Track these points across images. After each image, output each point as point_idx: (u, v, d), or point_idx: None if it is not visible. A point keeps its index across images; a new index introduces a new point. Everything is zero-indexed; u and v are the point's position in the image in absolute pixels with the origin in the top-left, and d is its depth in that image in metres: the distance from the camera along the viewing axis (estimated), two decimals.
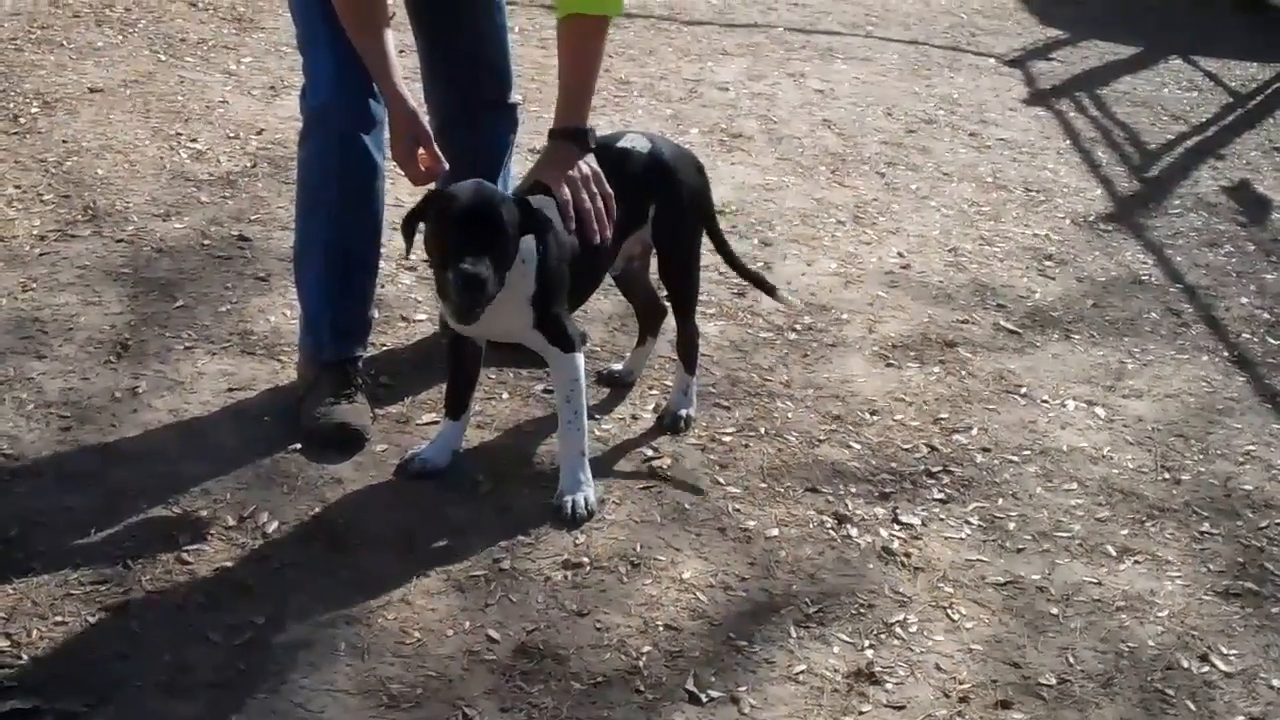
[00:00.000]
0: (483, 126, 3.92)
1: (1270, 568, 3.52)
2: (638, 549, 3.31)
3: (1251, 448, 4.06)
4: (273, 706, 2.75)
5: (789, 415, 3.95)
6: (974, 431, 3.98)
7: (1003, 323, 4.67)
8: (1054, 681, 3.04)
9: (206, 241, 4.54)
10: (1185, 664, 3.15)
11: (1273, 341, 4.76)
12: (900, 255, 5.12)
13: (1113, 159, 6.51)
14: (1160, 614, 3.30)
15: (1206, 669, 3.15)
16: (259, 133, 5.51)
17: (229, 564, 3.12)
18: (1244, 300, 5.08)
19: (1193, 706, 3.04)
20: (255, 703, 2.75)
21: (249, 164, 5.21)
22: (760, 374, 4.16)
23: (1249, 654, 3.21)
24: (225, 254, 4.48)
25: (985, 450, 3.89)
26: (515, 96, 4.00)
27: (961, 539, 3.49)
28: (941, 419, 4.02)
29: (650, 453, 3.69)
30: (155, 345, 3.91)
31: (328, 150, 3.59)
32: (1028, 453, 3.91)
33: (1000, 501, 3.66)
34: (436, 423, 3.68)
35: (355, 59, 3.43)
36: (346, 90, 3.54)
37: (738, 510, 3.50)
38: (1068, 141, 6.70)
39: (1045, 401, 4.19)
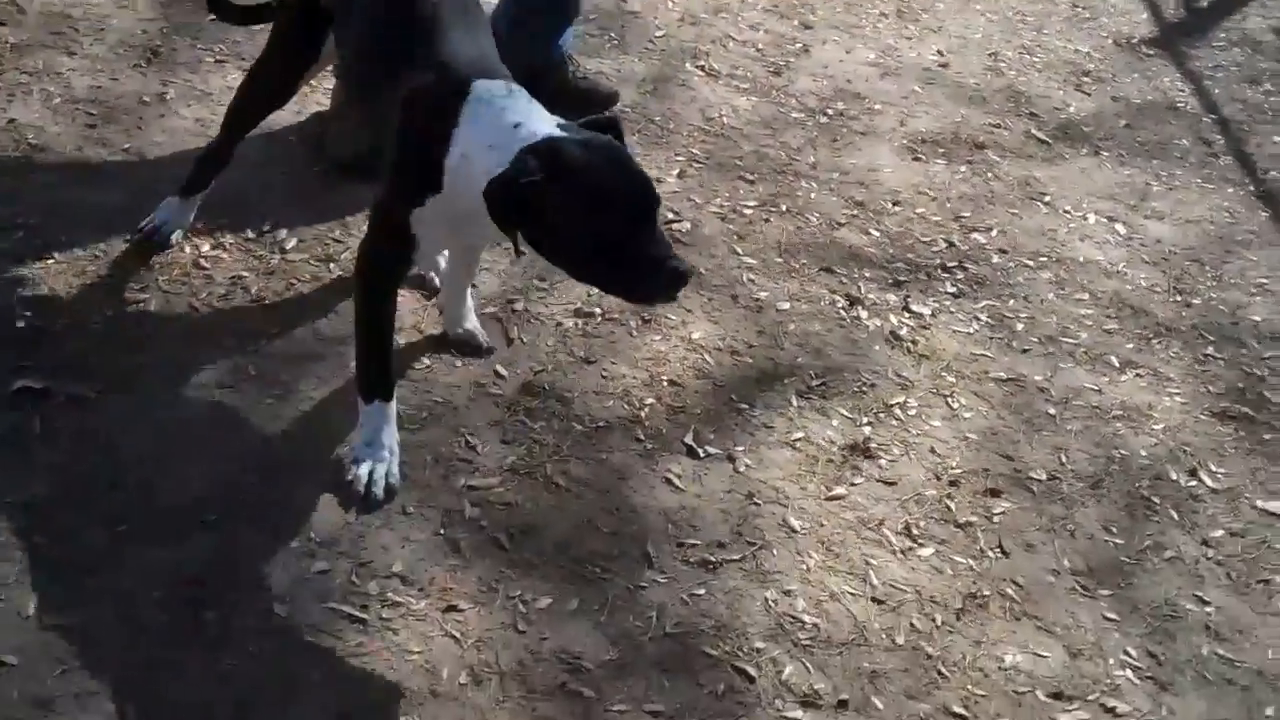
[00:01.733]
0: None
1: (1269, 395, 3.56)
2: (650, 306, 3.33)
3: (1265, 280, 4.07)
4: (278, 411, 2.80)
5: (812, 196, 3.95)
6: (993, 232, 3.98)
7: (1034, 131, 4.64)
8: (1044, 477, 3.09)
9: None
10: (1174, 476, 3.20)
11: None
12: (940, 54, 5.05)
13: None
14: (1155, 427, 3.35)
15: (1194, 483, 3.20)
16: None
17: (245, 274, 3.14)
18: (1276, 139, 5.03)
19: (1175, 516, 3.09)
20: (260, 406, 2.81)
21: None
22: (788, 153, 4.14)
23: (1236, 474, 3.26)
24: None
25: (1002, 251, 3.89)
26: None
27: (969, 333, 3.52)
28: (963, 217, 4.02)
29: (671, 216, 3.69)
30: (186, 55, 3.88)
31: None
32: (1044, 259, 3.91)
33: (1011, 302, 3.68)
34: None
35: None
36: None
37: (752, 280, 3.52)
38: None
39: (1067, 212, 4.19)
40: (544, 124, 2.48)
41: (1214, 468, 3.26)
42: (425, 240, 2.65)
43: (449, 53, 2.63)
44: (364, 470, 2.68)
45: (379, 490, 2.67)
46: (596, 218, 2.36)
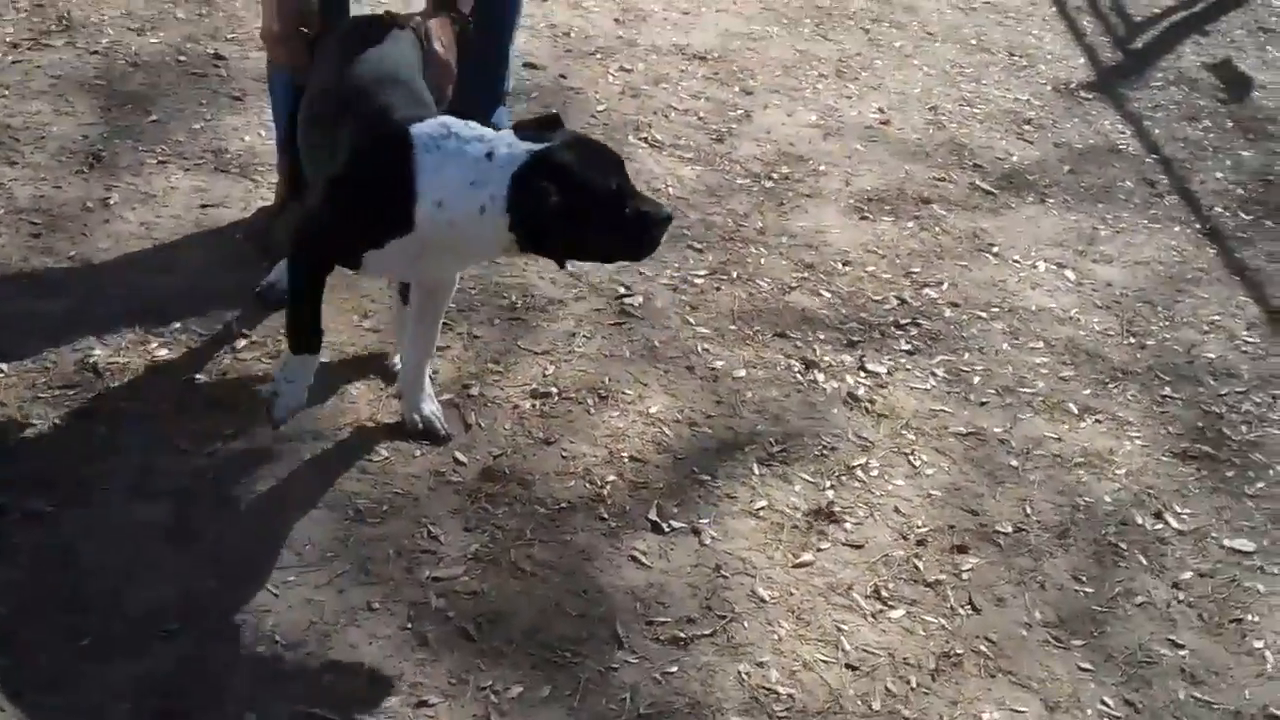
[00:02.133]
0: None
1: (1227, 433, 3.57)
2: (606, 382, 3.33)
3: (1216, 318, 4.10)
4: (238, 514, 2.77)
5: (761, 261, 3.96)
6: (944, 286, 3.99)
7: (979, 183, 4.67)
8: (1010, 530, 3.09)
9: (182, 58, 4.47)
10: (1139, 520, 3.20)
11: (1244, 216, 4.78)
12: (880, 111, 5.09)
13: (1097, 28, 6.45)
14: (1118, 471, 3.35)
15: (1160, 526, 3.20)
16: None
17: (199, 376, 3.12)
18: (1219, 175, 5.08)
19: (1144, 560, 3.09)
20: (221, 511, 2.78)
21: None
22: (735, 219, 4.15)
23: (1201, 514, 3.26)
24: (200, 71, 4.41)
25: (954, 305, 3.91)
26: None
27: (926, 389, 3.52)
28: (913, 272, 4.03)
29: (622, 290, 3.69)
30: (128, 158, 3.87)
31: None
32: (996, 310, 3.93)
33: (966, 355, 3.69)
34: None
35: None
36: None
37: (706, 350, 3.52)
38: (1054, 9, 6.62)
39: (1016, 261, 4.21)
40: (510, 144, 2.59)
41: (1179, 509, 3.26)
42: (373, 267, 2.74)
43: (380, 107, 2.68)
44: (268, 389, 2.81)
45: (279, 413, 2.78)
46: (603, 201, 2.57)
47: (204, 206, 3.73)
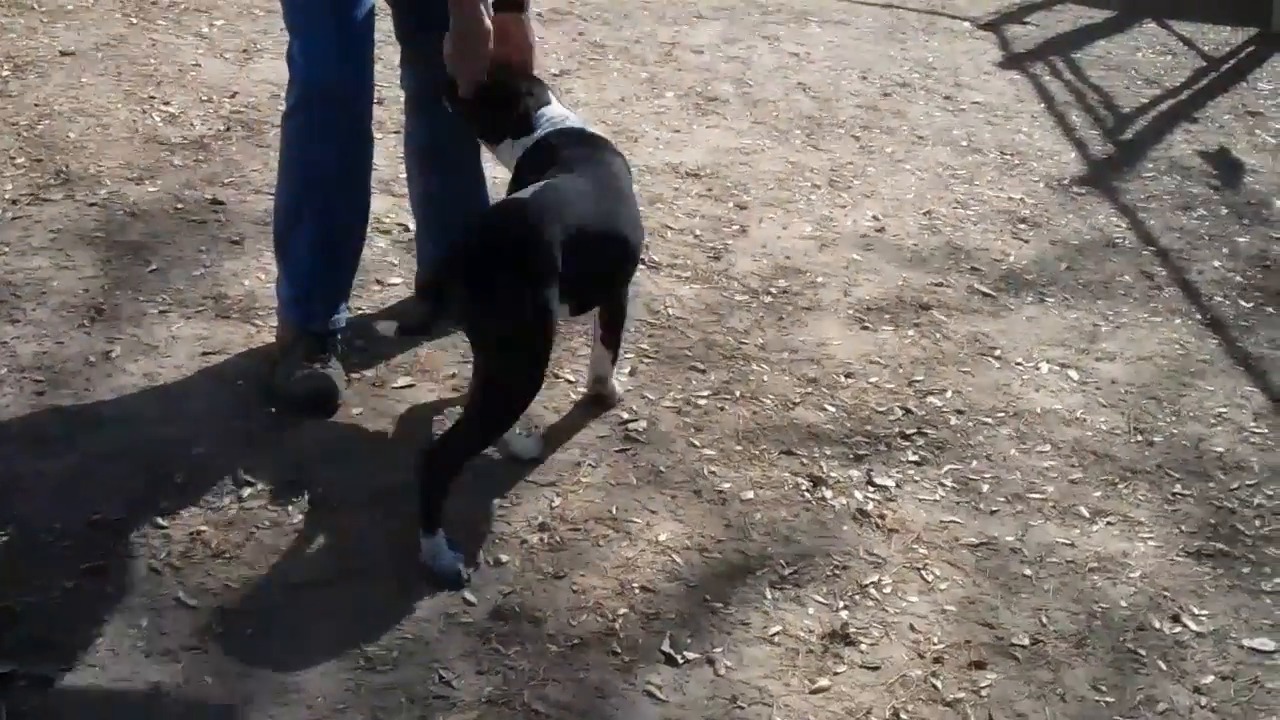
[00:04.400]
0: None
1: (1241, 528, 3.55)
2: (613, 511, 3.32)
3: (1223, 410, 4.08)
4: (247, 670, 2.75)
5: (764, 378, 3.96)
6: (948, 394, 3.99)
7: (977, 285, 4.68)
8: (1027, 642, 3.06)
9: (180, 205, 4.52)
10: (1157, 624, 3.17)
11: (1244, 304, 4.78)
12: (875, 219, 5.12)
13: (1087, 123, 6.51)
14: (1132, 575, 3.33)
15: (1178, 629, 3.17)
16: (232, 96, 5.47)
17: (204, 528, 3.12)
18: (1216, 263, 5.09)
19: (1164, 666, 3.06)
20: (231, 666, 2.76)
21: (222, 127, 5.18)
22: (735, 337, 4.16)
23: (1220, 614, 3.23)
24: (199, 218, 4.46)
25: (959, 412, 3.90)
26: None
27: (935, 500, 3.51)
28: (916, 381, 4.03)
29: (626, 415, 3.70)
30: (129, 309, 3.90)
31: (327, 124, 3.53)
32: (1001, 415, 3.92)
33: (974, 463, 3.68)
34: (411, 386, 3.69)
35: (356, 29, 3.41)
36: (349, 63, 3.50)
37: (713, 473, 3.51)
38: (1042, 105, 6.69)
39: (1019, 364, 4.21)
40: None
41: (1196, 610, 3.23)
42: None
43: None
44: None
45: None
46: None
47: (205, 354, 3.74)
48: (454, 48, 3.41)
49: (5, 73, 5.39)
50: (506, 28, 3.48)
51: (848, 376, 4.02)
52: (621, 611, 3.01)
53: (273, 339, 3.76)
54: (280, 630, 2.85)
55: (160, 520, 3.12)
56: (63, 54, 5.66)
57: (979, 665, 2.98)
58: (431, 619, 2.92)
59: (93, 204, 4.45)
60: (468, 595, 3.00)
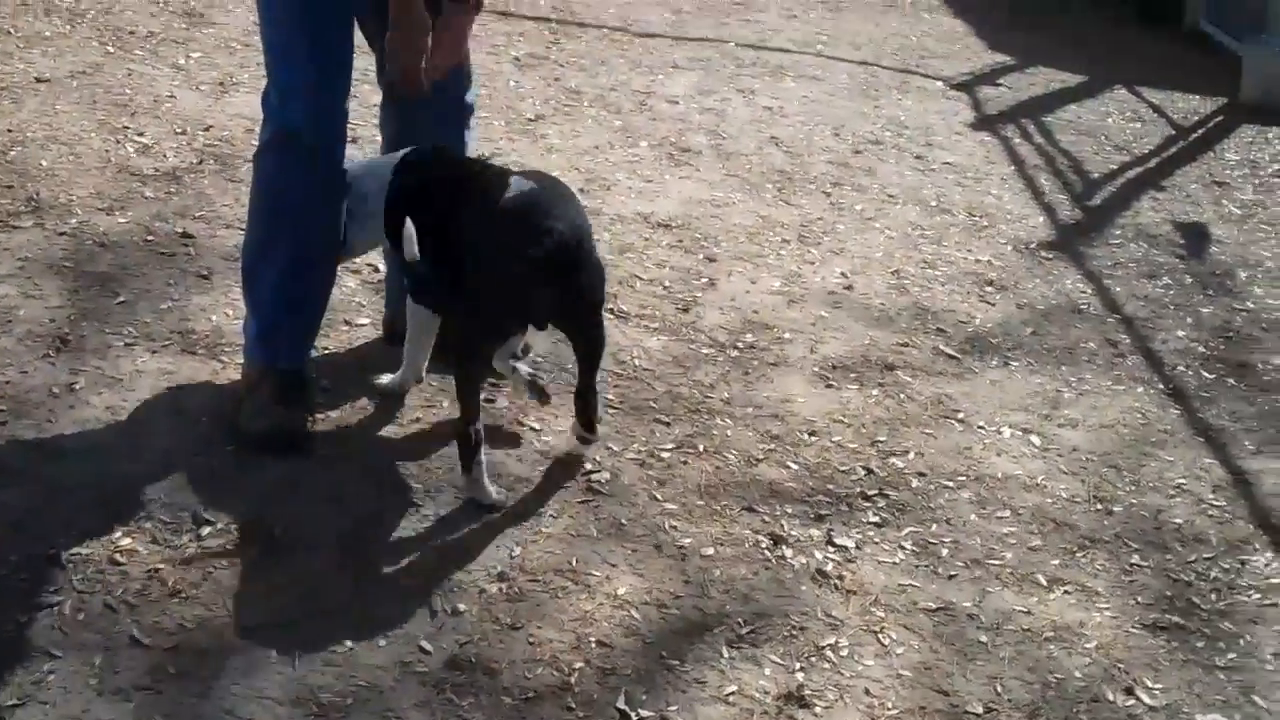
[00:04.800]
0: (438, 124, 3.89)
1: (1197, 601, 3.56)
2: (573, 563, 3.32)
3: (1183, 481, 4.11)
4: (200, 711, 2.73)
5: (728, 433, 3.97)
6: (910, 455, 4.00)
7: (942, 347, 4.71)
8: (981, 711, 3.06)
9: (150, 237, 4.51)
10: (1111, 697, 3.18)
11: (1207, 375, 4.81)
12: (843, 276, 5.15)
13: (1055, 186, 6.57)
14: (1088, 645, 3.34)
15: (1131, 702, 3.18)
16: (206, 129, 5.47)
17: (161, 565, 3.10)
18: (1180, 333, 5.13)
19: None
20: (183, 707, 2.74)
21: (195, 160, 5.18)
22: (701, 390, 4.17)
23: (1174, 688, 3.24)
24: (168, 250, 4.45)
25: (921, 475, 3.92)
26: (471, 96, 3.98)
27: (895, 563, 3.52)
28: (879, 442, 4.05)
29: (589, 466, 3.70)
30: (95, 341, 3.89)
31: (299, 164, 3.55)
32: (963, 478, 3.94)
33: (934, 527, 3.69)
34: (376, 426, 3.70)
35: (333, 71, 3.43)
36: (324, 107, 3.52)
37: (674, 527, 3.51)
38: (1012, 168, 6.75)
39: (982, 428, 4.23)
40: None
41: (1150, 684, 3.24)
42: None
43: None
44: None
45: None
46: None
47: (170, 389, 3.73)
48: (395, 41, 3.45)
49: None
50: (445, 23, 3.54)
51: (811, 434, 4.03)
52: (578, 665, 3.00)
53: (239, 376, 3.75)
54: (234, 672, 2.83)
55: (118, 556, 3.10)
56: (38, 80, 5.66)
57: None
58: (387, 667, 2.91)
59: (62, 233, 4.44)
60: (424, 644, 2.99)
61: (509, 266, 3.32)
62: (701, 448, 3.88)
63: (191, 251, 4.46)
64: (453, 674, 2.92)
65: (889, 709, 3.02)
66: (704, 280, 4.86)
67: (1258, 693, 3.24)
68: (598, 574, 3.30)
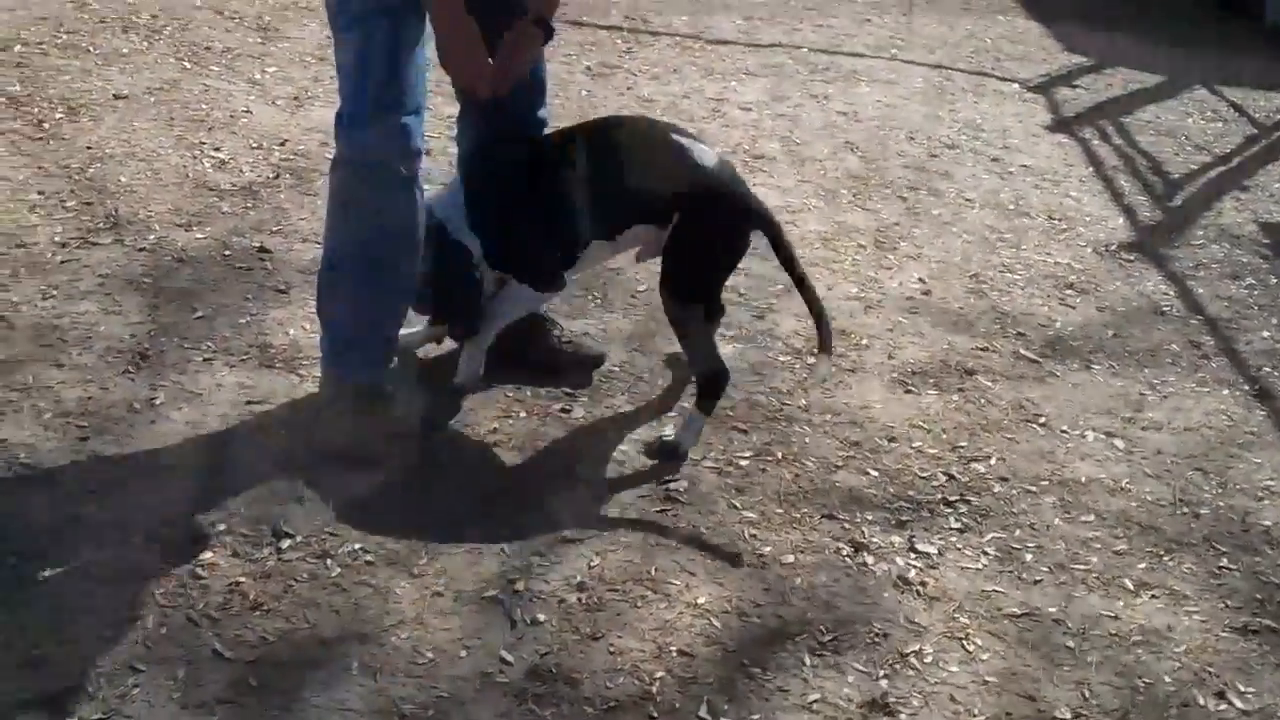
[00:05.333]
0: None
1: None
2: (652, 572, 3.30)
3: (1270, 483, 4.04)
4: None
5: (806, 440, 3.94)
6: (992, 460, 3.96)
7: (1023, 351, 4.65)
8: (1069, 716, 3.02)
9: (228, 252, 4.54)
10: (1201, 701, 3.13)
11: None
12: (921, 281, 5.10)
13: (1135, 188, 6.48)
14: (1177, 649, 3.28)
15: (1223, 706, 3.12)
16: (282, 143, 5.50)
17: (242, 579, 3.11)
18: (1265, 334, 5.05)
19: None
20: None
21: (271, 175, 5.20)
22: (779, 398, 4.14)
23: (1265, 692, 3.18)
24: (246, 265, 4.47)
25: (1003, 480, 3.87)
26: (544, 111, 3.96)
27: (978, 569, 3.47)
28: (960, 447, 4.00)
29: (667, 474, 3.68)
30: (174, 356, 3.91)
31: (371, 179, 3.53)
32: (1045, 483, 3.89)
33: (1017, 532, 3.65)
34: (453, 440, 3.70)
35: (403, 86, 3.42)
36: (393, 125, 3.47)
37: (754, 535, 3.49)
38: (1090, 169, 6.67)
39: (1064, 432, 4.17)
40: None
41: (1241, 688, 3.19)
42: None
43: None
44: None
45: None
46: None
47: (249, 403, 3.75)
48: (441, 54, 3.41)
49: (58, 115, 5.44)
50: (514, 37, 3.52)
51: (890, 441, 3.99)
52: (659, 675, 2.98)
53: (315, 390, 3.76)
54: (316, 685, 2.84)
55: (199, 570, 3.12)
56: (116, 98, 5.71)
57: None
58: (468, 677, 2.91)
59: (141, 249, 4.47)
60: (504, 654, 2.99)
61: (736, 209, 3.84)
62: (780, 455, 3.85)
63: (269, 266, 4.49)
64: (534, 684, 2.92)
65: (975, 715, 2.98)
66: (779, 287, 4.83)
67: None
68: (677, 583, 3.28)
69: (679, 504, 3.57)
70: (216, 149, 5.36)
